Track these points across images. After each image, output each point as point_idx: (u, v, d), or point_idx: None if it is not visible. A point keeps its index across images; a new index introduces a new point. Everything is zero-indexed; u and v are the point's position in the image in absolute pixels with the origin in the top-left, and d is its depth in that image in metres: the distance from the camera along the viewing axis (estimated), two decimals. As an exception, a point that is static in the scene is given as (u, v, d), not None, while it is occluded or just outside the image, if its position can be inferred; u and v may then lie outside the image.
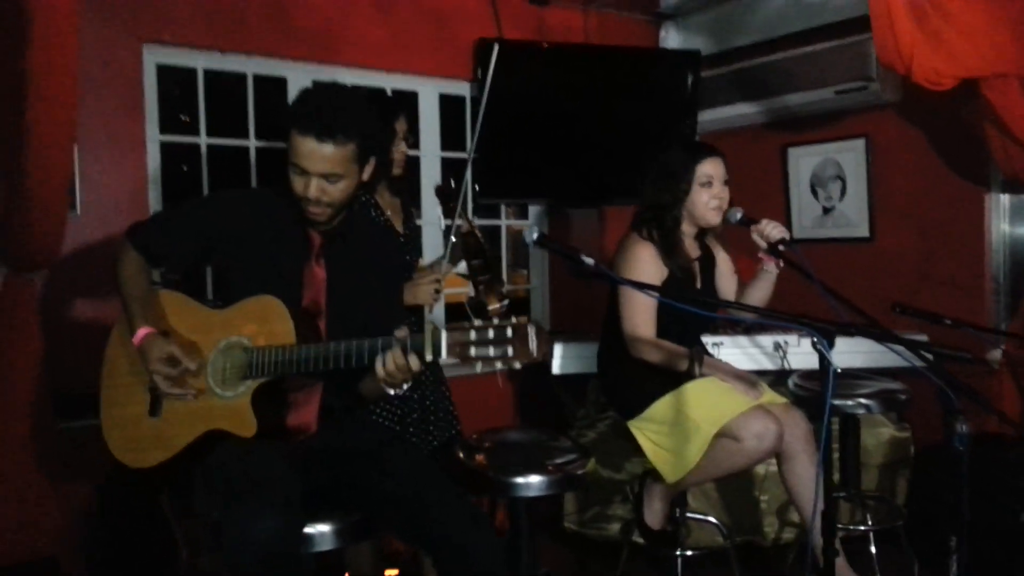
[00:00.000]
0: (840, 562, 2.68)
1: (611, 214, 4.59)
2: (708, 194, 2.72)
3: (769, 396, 2.73)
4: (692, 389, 2.62)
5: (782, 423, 2.61)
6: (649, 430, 2.71)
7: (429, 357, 1.84)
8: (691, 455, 2.59)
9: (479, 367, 1.81)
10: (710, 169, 2.73)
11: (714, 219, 2.74)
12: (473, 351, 1.79)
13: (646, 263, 2.71)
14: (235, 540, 1.75)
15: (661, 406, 2.66)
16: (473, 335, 1.79)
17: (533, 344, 1.78)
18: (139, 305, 2.10)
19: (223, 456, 1.97)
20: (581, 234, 4.53)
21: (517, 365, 1.79)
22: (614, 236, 4.55)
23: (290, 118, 2.04)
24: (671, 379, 2.67)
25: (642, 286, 2.46)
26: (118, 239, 2.21)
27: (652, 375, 2.71)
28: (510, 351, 1.77)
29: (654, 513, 2.84)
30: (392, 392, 1.97)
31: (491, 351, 1.78)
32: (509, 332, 1.78)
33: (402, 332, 1.88)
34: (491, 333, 1.78)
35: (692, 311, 2.28)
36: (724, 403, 2.57)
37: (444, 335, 1.81)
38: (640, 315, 2.69)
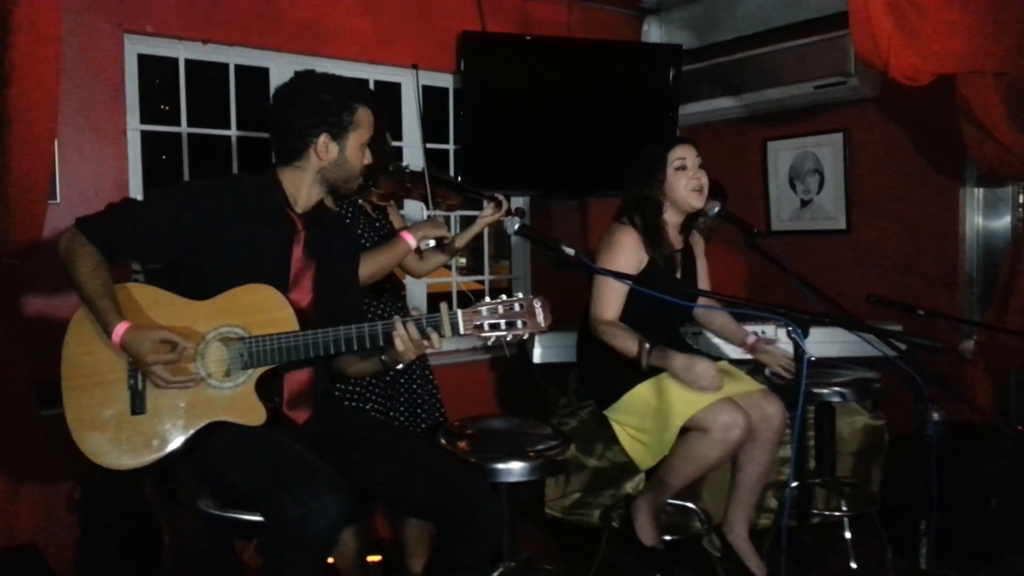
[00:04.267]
0: (745, 545, 2.80)
1: (593, 206, 4.62)
2: (685, 177, 2.79)
3: (746, 383, 2.77)
4: (664, 379, 2.67)
5: (757, 408, 2.67)
6: (624, 419, 2.77)
7: (448, 334, 2.02)
8: (663, 445, 2.65)
9: (491, 340, 2.02)
10: (682, 152, 2.81)
11: (696, 201, 2.79)
12: (487, 326, 2.00)
13: (626, 248, 2.78)
14: (301, 522, 1.76)
15: (634, 395, 2.71)
16: (485, 311, 2.00)
17: (540, 316, 2.01)
18: (109, 301, 1.97)
19: (243, 444, 1.97)
20: (563, 225, 4.56)
21: (526, 336, 2.03)
22: (596, 227, 4.59)
23: (359, 97, 2.18)
24: (641, 369, 2.71)
25: (620, 276, 2.52)
26: (64, 232, 2.04)
27: (627, 364, 2.75)
28: (520, 324, 2.00)
29: (644, 531, 2.84)
30: (399, 366, 2.13)
31: (503, 325, 2.00)
32: (518, 307, 2.01)
33: (416, 312, 2.03)
34: (501, 309, 2.01)
35: (669, 300, 2.31)
36: (694, 394, 2.62)
37: (460, 313, 2.00)
38: (607, 299, 2.76)
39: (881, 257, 4.03)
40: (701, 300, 2.97)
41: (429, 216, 3.00)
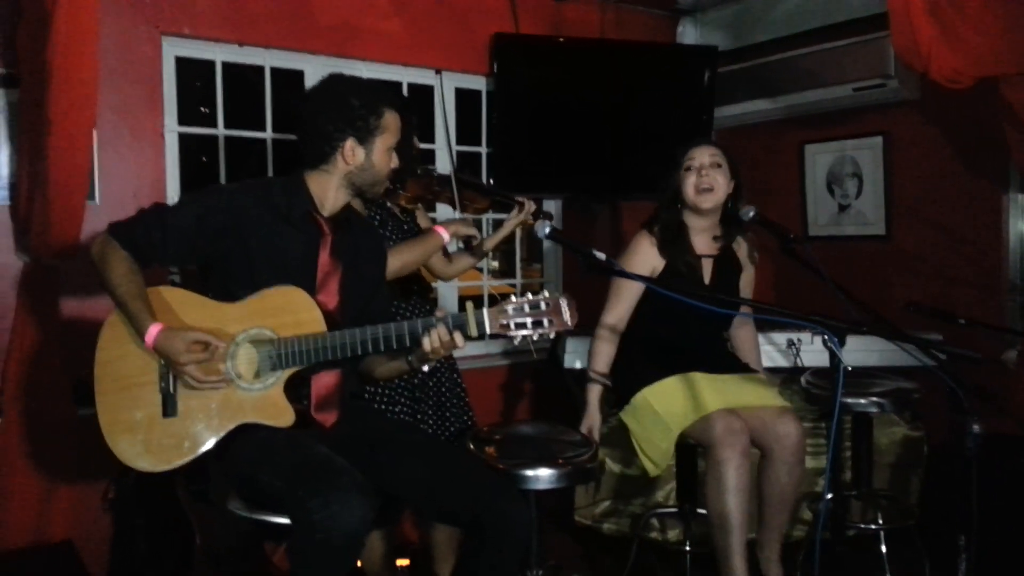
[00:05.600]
0: (776, 569, 2.71)
1: (628, 209, 4.59)
2: (693, 177, 2.77)
3: (763, 397, 2.73)
4: (664, 385, 2.69)
5: (770, 426, 2.63)
6: (632, 423, 2.78)
7: (474, 334, 2.02)
8: (663, 453, 2.67)
9: (518, 340, 2.00)
10: (694, 154, 2.79)
11: (702, 202, 2.76)
12: (513, 325, 1.99)
13: (638, 253, 2.81)
14: (327, 525, 1.76)
15: (640, 399, 2.73)
16: (511, 311, 1.99)
17: (567, 314, 1.99)
18: (142, 304, 1.99)
19: (271, 447, 1.98)
20: (598, 229, 4.54)
21: (553, 335, 2.01)
22: (630, 231, 4.56)
23: (386, 101, 2.18)
24: (655, 372, 2.72)
25: (647, 279, 2.50)
26: (97, 237, 2.08)
27: (642, 367, 2.76)
28: (546, 322, 1.99)
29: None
30: (426, 367, 2.14)
31: (529, 323, 1.99)
32: (544, 305, 1.99)
33: (442, 312, 2.03)
34: (527, 307, 1.99)
35: (691, 303, 2.26)
36: (691, 403, 2.62)
37: (486, 312, 1.99)
38: (611, 303, 2.81)
39: (921, 264, 3.95)
40: (742, 308, 2.90)
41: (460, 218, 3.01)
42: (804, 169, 4.39)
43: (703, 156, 2.78)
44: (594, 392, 2.81)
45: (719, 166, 2.77)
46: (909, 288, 3.91)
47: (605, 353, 2.82)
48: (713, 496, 2.56)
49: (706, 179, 2.74)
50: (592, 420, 2.80)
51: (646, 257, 2.80)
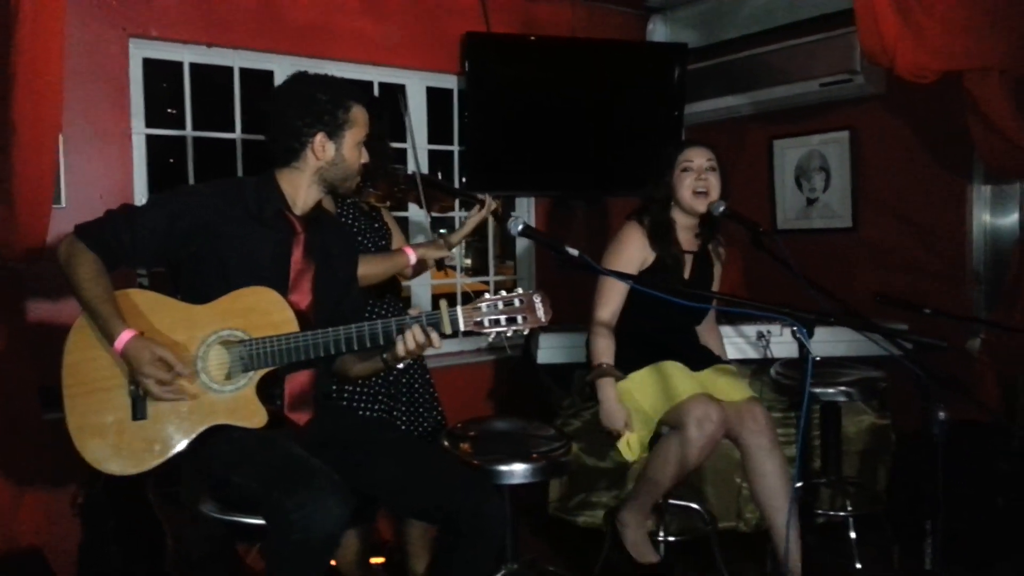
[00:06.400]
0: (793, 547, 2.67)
1: (599, 206, 4.61)
2: (689, 179, 2.79)
3: (731, 391, 2.76)
4: (643, 375, 2.72)
5: (738, 420, 2.66)
6: None
7: (448, 331, 2.01)
8: (642, 440, 2.70)
9: (492, 337, 2.01)
10: (691, 155, 2.81)
11: (698, 204, 2.78)
12: (487, 322, 2.00)
13: (631, 244, 2.81)
14: (302, 525, 1.76)
15: (620, 388, 2.74)
16: (485, 308, 2.00)
17: (540, 311, 2.00)
18: (111, 307, 1.97)
19: (245, 448, 1.97)
20: (571, 225, 4.55)
21: (526, 331, 2.02)
22: (605, 227, 4.58)
23: (352, 95, 2.18)
24: (634, 362, 2.75)
25: (620, 275, 2.52)
26: (63, 239, 2.05)
27: (623, 357, 2.77)
28: (520, 319, 2.00)
29: (636, 545, 2.80)
30: (400, 365, 2.15)
31: (503, 320, 2.00)
32: (517, 302, 2.01)
33: (416, 311, 2.03)
34: (501, 305, 2.00)
35: (669, 299, 2.29)
36: (669, 390, 2.65)
37: (459, 310, 2.00)
38: (604, 298, 2.80)
39: (888, 255, 4.01)
40: (714, 302, 2.94)
41: (434, 231, 3.03)
42: (773, 164, 4.44)
43: (700, 159, 2.80)
44: (608, 385, 2.73)
45: (714, 169, 2.80)
46: (876, 279, 3.97)
47: (607, 346, 2.78)
48: (666, 463, 2.62)
49: (703, 182, 2.77)
50: (619, 414, 2.72)
51: (639, 249, 2.81)
